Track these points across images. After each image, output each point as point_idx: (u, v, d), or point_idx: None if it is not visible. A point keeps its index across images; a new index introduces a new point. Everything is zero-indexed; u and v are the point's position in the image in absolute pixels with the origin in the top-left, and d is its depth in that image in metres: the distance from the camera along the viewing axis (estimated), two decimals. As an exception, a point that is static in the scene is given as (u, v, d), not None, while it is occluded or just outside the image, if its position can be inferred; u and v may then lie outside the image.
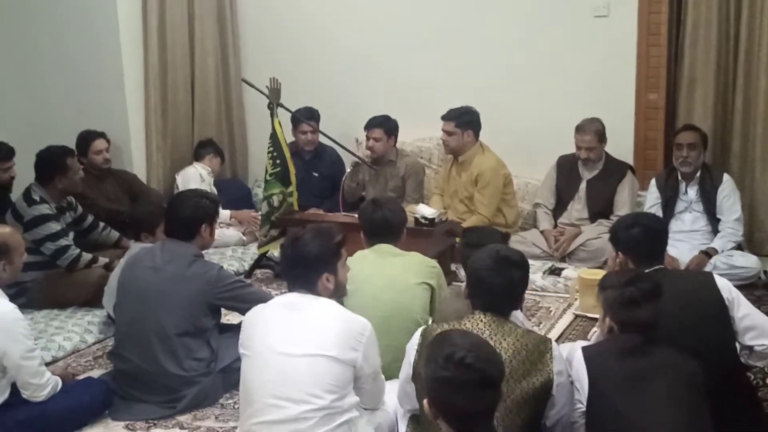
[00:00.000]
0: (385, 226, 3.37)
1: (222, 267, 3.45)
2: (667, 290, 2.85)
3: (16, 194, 4.53)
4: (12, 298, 3.15)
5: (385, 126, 5.31)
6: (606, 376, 2.42)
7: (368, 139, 5.34)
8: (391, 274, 3.23)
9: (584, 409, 2.43)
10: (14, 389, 2.97)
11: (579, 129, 4.90)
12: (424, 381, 2.05)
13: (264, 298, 3.07)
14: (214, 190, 5.64)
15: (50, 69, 5.64)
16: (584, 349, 2.52)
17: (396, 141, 5.42)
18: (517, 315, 2.93)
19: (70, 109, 5.55)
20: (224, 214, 5.53)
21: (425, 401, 2.00)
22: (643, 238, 2.97)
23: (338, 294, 2.83)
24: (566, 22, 5.28)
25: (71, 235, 4.47)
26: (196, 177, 5.58)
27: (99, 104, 5.53)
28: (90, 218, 4.70)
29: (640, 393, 2.35)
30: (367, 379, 2.66)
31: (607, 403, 2.38)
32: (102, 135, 5.11)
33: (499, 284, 2.45)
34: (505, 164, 5.08)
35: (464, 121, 5.00)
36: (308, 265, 2.70)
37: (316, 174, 5.59)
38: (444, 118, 5.05)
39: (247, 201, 6.09)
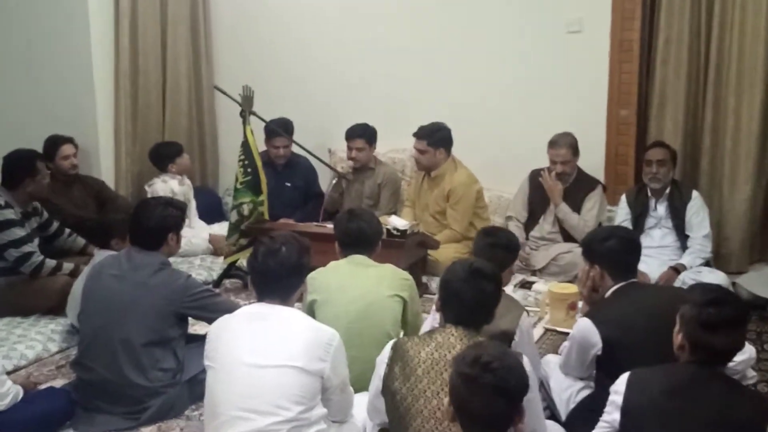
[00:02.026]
0: (360, 237, 3.35)
1: (190, 275, 3.40)
2: (638, 303, 2.88)
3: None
4: (-27, 305, 3.09)
5: (366, 135, 5.32)
6: (642, 410, 2.25)
7: (350, 149, 5.33)
8: (364, 286, 3.21)
9: (610, 430, 2.35)
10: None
11: (553, 144, 4.92)
12: (450, 378, 2.08)
13: (232, 308, 3.01)
14: (191, 198, 5.54)
15: (18, 71, 5.56)
16: (632, 374, 2.33)
17: (375, 147, 5.42)
18: (524, 321, 2.98)
19: (38, 113, 5.47)
20: (203, 237, 5.41)
21: (446, 400, 2.05)
22: (620, 250, 2.99)
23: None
24: (539, 38, 5.31)
25: (36, 241, 4.38)
26: (167, 193, 5.20)
27: (68, 108, 5.47)
28: (55, 224, 4.63)
29: None
30: (335, 391, 2.63)
31: None
32: (70, 140, 5.03)
33: (471, 297, 2.44)
34: (477, 179, 5.08)
35: (436, 139, 4.98)
36: (289, 276, 2.67)
37: (288, 184, 5.56)
38: (416, 135, 5.03)
39: (217, 210, 6.04)
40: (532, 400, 2.42)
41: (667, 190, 4.65)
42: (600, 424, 2.40)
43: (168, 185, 5.39)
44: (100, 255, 3.84)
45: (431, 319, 3.18)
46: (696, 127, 5.02)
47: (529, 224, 5.13)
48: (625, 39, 5.09)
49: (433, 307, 3.16)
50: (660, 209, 4.69)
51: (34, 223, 4.46)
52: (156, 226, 3.30)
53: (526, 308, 4.41)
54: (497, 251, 3.12)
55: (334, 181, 5.32)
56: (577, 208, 4.93)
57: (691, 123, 5.01)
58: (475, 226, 5.04)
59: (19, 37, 5.51)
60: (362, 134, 5.32)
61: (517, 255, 3.41)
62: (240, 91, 4.85)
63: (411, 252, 4.48)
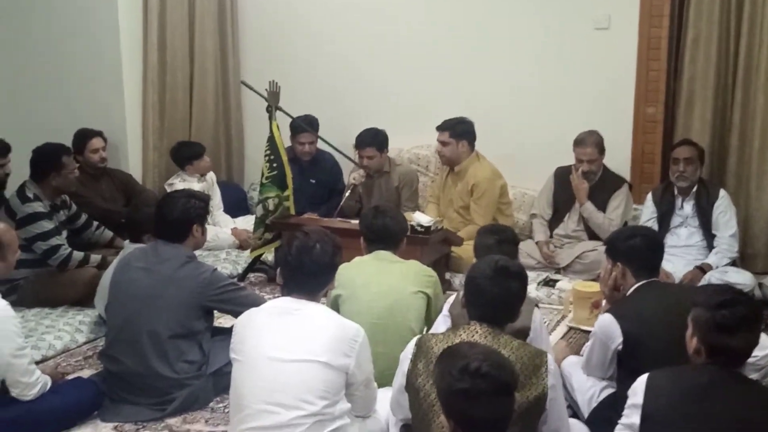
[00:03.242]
0: (385, 233, 3.37)
1: (216, 269, 3.42)
2: (659, 300, 2.87)
3: (10, 191, 4.50)
4: (3, 296, 3.13)
5: (376, 143, 5.24)
6: (662, 414, 2.23)
7: (361, 158, 5.29)
8: (388, 282, 3.22)
9: None
10: (3, 387, 2.95)
11: (579, 142, 4.89)
12: (439, 396, 2.04)
13: (258, 302, 3.05)
14: (215, 193, 5.58)
15: (49, 66, 5.61)
16: (650, 377, 2.30)
17: (387, 151, 5.38)
18: (536, 316, 3.00)
19: (68, 107, 5.52)
20: (228, 231, 5.48)
21: (442, 416, 1.99)
22: (643, 248, 2.99)
23: None
24: (566, 34, 5.28)
25: (64, 233, 4.44)
26: None
27: (97, 102, 5.51)
28: (84, 217, 4.68)
29: None
30: (359, 386, 2.65)
31: None
32: (99, 134, 5.09)
33: (497, 295, 2.43)
34: (501, 174, 5.07)
35: (459, 131, 4.99)
36: (322, 274, 2.70)
37: (313, 181, 5.55)
38: (439, 128, 5.05)
39: (242, 204, 6.07)
40: (556, 399, 2.41)
41: (694, 189, 4.62)
42: (618, 427, 2.38)
43: (187, 184, 5.36)
44: (129, 247, 3.88)
45: (442, 322, 3.17)
46: (724, 126, 4.97)
47: (554, 222, 5.11)
48: (653, 36, 5.05)
49: (445, 306, 3.17)
50: (686, 208, 4.65)
51: (63, 215, 4.51)
52: (179, 218, 3.31)
53: (550, 306, 4.46)
54: (504, 247, 3.13)
55: (347, 192, 5.26)
56: (602, 206, 4.90)
57: (719, 122, 4.96)
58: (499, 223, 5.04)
59: (48, 32, 5.56)
60: (372, 142, 5.24)
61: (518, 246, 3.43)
62: (266, 86, 4.87)
63: (434, 248, 4.48)
